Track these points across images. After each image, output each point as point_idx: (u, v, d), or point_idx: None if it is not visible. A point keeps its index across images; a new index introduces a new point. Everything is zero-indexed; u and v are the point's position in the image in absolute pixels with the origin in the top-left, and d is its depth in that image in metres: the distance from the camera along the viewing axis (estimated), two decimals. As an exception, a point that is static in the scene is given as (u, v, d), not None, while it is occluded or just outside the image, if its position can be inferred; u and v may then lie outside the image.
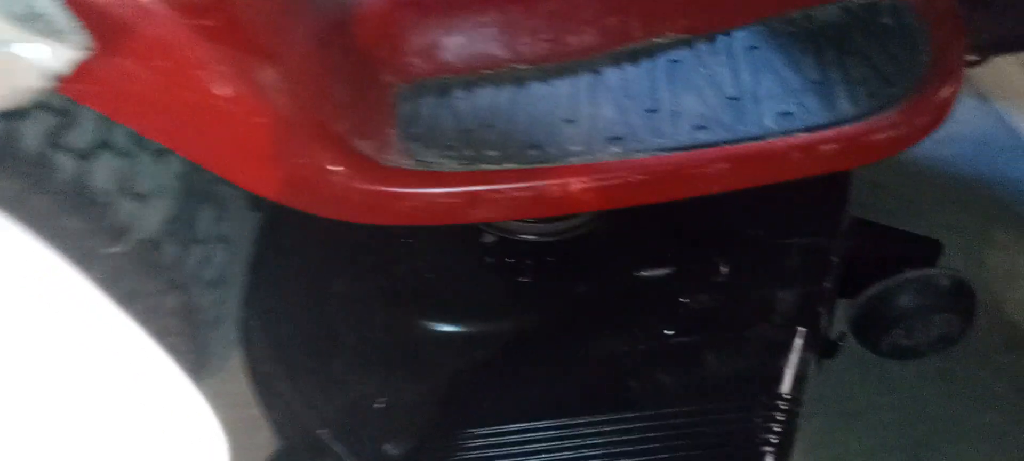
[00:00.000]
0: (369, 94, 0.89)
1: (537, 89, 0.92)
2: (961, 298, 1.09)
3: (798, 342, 0.90)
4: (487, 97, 0.91)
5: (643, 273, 0.94)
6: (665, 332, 0.90)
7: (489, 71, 0.94)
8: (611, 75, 0.92)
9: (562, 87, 0.92)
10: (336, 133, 0.80)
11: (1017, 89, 1.54)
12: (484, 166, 0.84)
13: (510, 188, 0.82)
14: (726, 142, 0.83)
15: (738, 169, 0.82)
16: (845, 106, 0.84)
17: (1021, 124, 1.52)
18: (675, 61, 0.91)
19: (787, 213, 0.98)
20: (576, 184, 0.82)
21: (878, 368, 1.18)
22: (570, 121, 0.88)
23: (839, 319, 1.13)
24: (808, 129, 0.83)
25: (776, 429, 0.86)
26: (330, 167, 0.76)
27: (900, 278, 1.08)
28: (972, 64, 1.06)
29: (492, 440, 0.89)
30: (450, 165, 0.84)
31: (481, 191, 0.82)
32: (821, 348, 1.03)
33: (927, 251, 1.13)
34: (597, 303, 0.96)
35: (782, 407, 0.86)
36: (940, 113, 0.84)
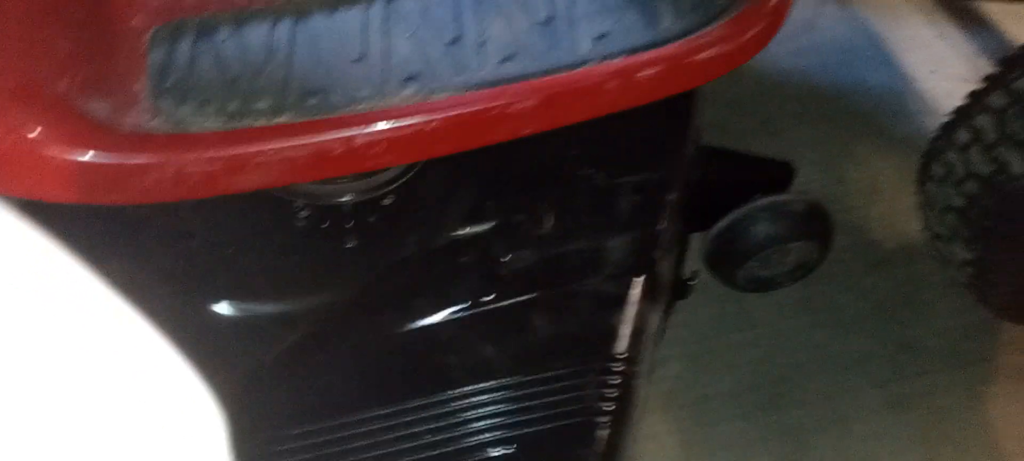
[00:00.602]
0: (108, 41, 0.73)
1: (319, 23, 0.77)
2: (815, 223, 1.02)
3: (633, 294, 0.80)
4: (259, 36, 0.76)
5: (458, 232, 0.83)
6: (484, 298, 0.79)
7: (263, 5, 0.79)
8: (407, 2, 0.79)
9: (350, 19, 0.78)
10: (52, 93, 0.64)
11: (876, -7, 1.48)
12: (252, 122, 0.70)
13: (282, 147, 0.69)
14: (536, 74, 0.72)
15: (550, 105, 0.71)
16: (668, 23, 0.74)
17: (883, 30, 1.46)
18: (480, -19, 0.79)
19: (622, 148, 0.88)
20: (362, 137, 0.70)
21: (736, 304, 1.11)
22: (358, 60, 0.74)
23: (696, 254, 1.06)
24: (628, 52, 0.72)
25: (612, 392, 0.77)
26: (32, 136, 0.61)
27: (750, 207, 1.00)
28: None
29: (303, 442, 0.77)
30: (210, 124, 0.70)
31: (245, 154, 0.68)
32: (669, 293, 0.95)
33: (779, 175, 1.05)
34: (415, 270, 0.84)
35: (617, 368, 0.77)
36: (772, 23, 0.74)
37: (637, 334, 0.79)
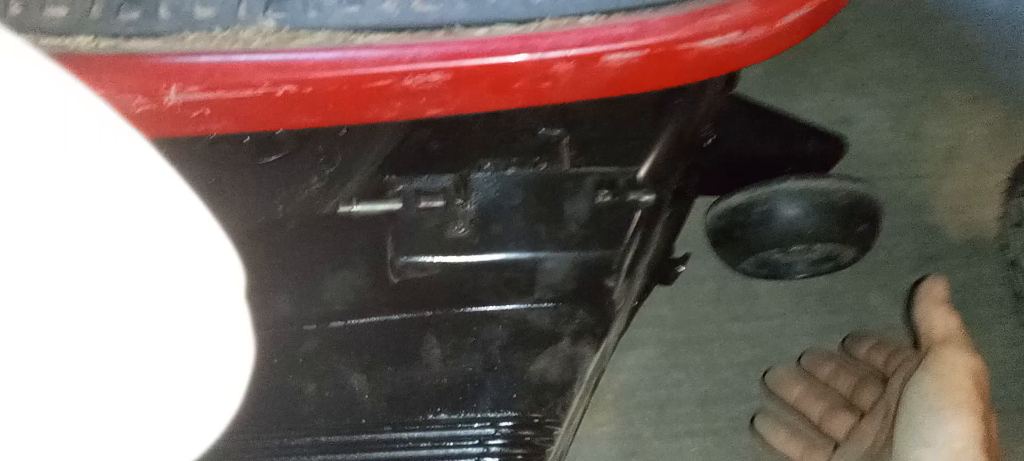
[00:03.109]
0: None
1: None
2: (858, 223, 0.78)
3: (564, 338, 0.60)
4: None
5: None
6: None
7: None
8: None
9: None
10: None
11: None
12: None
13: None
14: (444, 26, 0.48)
15: (455, 88, 0.48)
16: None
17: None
18: None
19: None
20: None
21: (740, 285, 0.89)
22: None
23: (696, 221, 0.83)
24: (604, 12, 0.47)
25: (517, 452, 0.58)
26: None
27: (777, 187, 0.76)
28: None
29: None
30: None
31: None
32: (647, 278, 0.75)
33: (824, 150, 0.80)
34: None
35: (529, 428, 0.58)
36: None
37: (564, 388, 0.59)
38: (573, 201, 0.61)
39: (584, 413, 0.63)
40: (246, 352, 0.20)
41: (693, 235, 0.84)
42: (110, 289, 0.17)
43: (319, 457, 0.56)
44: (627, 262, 0.61)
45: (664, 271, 0.79)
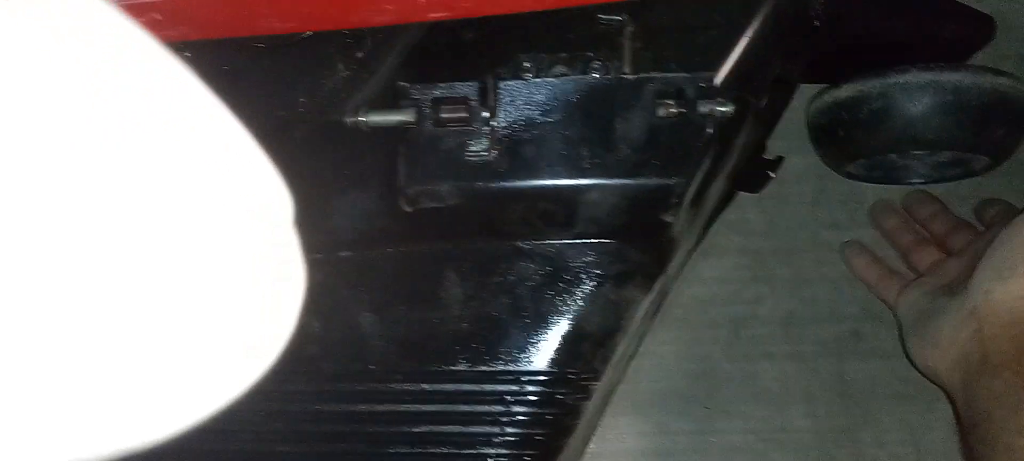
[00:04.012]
0: None
1: None
2: (995, 126, 0.62)
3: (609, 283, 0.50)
4: None
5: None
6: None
7: None
8: None
9: None
10: None
11: None
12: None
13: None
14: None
15: None
16: None
17: None
18: None
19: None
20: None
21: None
22: None
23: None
24: None
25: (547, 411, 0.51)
26: None
27: (903, 78, 0.61)
28: None
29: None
30: None
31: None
32: (730, 184, 0.64)
33: (965, 35, 0.63)
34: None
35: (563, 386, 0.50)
36: None
37: (605, 338, 0.50)
38: (626, 115, 0.49)
39: (630, 361, 0.54)
40: (298, 280, 0.20)
41: (790, 121, 0.70)
42: (162, 220, 0.17)
43: (321, 406, 0.50)
44: (692, 191, 0.50)
45: (751, 176, 0.66)
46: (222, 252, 0.18)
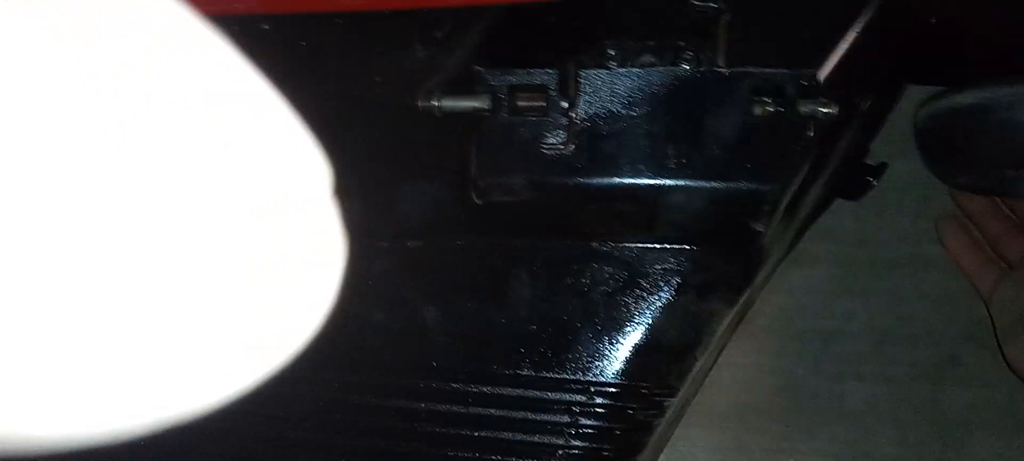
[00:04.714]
0: None
1: None
2: None
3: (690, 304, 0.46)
4: None
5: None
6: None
7: None
8: None
9: None
10: None
11: None
12: None
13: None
14: None
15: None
16: None
17: None
18: None
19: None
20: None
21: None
22: None
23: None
24: None
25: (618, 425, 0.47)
26: None
27: (1006, 92, 0.55)
28: None
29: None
30: None
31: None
32: (831, 187, 0.59)
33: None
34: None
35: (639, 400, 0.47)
36: None
37: (683, 353, 0.47)
38: (718, 112, 0.45)
39: (707, 373, 0.51)
40: (336, 252, 0.20)
41: (894, 124, 0.65)
42: (194, 189, 0.17)
43: (380, 399, 0.48)
44: (786, 199, 0.46)
45: (850, 183, 0.61)
46: (253, 221, 0.18)
